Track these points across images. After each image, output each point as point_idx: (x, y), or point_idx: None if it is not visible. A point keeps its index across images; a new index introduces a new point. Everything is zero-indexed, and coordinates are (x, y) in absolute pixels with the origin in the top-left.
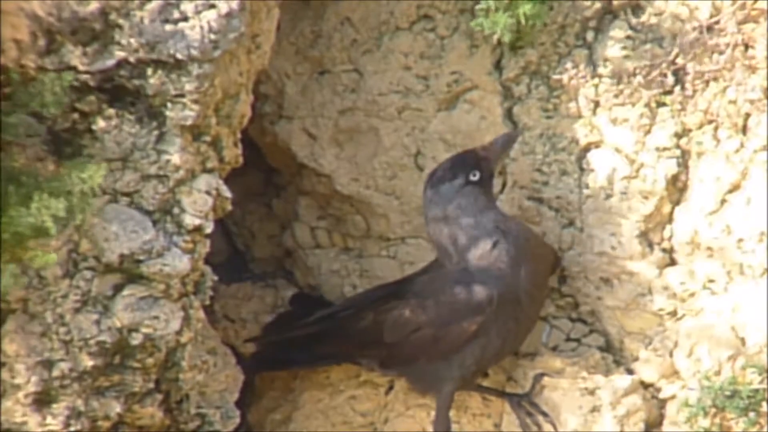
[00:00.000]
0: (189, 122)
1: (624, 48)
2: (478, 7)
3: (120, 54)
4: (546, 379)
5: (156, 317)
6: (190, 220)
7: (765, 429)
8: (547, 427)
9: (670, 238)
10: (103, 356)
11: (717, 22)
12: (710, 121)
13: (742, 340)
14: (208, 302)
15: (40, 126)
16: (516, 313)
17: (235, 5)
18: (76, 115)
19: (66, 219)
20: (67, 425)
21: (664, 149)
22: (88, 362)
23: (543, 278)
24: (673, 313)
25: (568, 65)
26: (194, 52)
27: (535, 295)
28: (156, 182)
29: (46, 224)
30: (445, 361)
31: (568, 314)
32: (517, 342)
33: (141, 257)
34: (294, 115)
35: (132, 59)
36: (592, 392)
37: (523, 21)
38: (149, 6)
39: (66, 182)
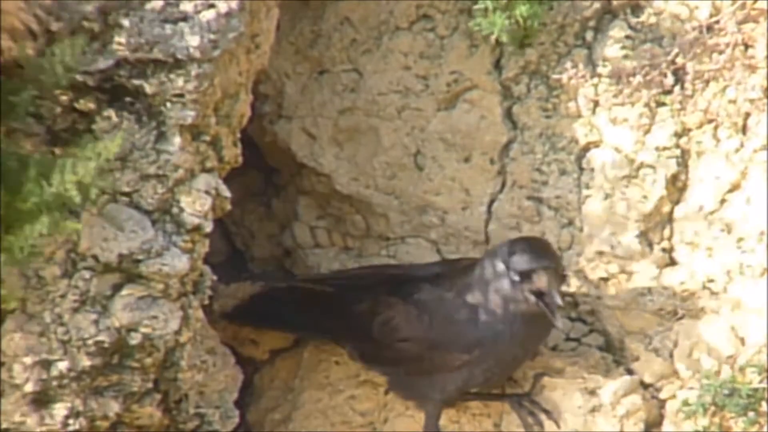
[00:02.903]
0: (188, 122)
1: (623, 48)
2: (476, 7)
3: (120, 54)
4: (546, 379)
5: (155, 317)
6: (189, 220)
7: (765, 428)
8: (549, 425)
9: (669, 238)
10: (101, 356)
11: (717, 22)
12: (710, 121)
13: (742, 340)
14: (207, 302)
15: (40, 126)
16: (504, 362)
17: (234, 5)
18: (75, 115)
19: (86, 188)
20: (65, 425)
21: (664, 149)
22: (87, 362)
23: (542, 336)
24: (673, 313)
25: (568, 65)
26: (194, 52)
27: (530, 348)
28: (155, 182)
29: (71, 192)
30: (426, 379)
31: (568, 313)
32: (501, 380)
33: (140, 257)
34: (293, 115)
35: (131, 59)
36: (592, 392)
37: (520, 21)
38: (149, 6)
39: (81, 155)
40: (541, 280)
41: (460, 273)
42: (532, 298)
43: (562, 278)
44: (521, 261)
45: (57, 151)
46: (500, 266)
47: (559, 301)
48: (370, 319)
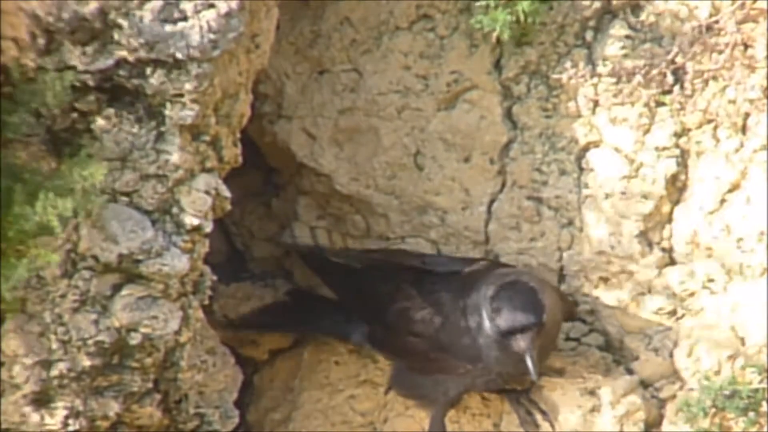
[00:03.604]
0: (188, 122)
1: (623, 47)
2: (477, 4)
3: (119, 54)
4: (545, 379)
5: (155, 317)
6: (189, 220)
7: (765, 429)
8: (545, 426)
9: (669, 238)
10: (101, 356)
11: (716, 22)
12: (709, 121)
13: (742, 340)
14: (207, 302)
15: (39, 126)
16: (508, 375)
17: (234, 5)
18: (75, 115)
19: (71, 218)
20: (65, 425)
21: (664, 149)
22: (87, 362)
23: (547, 352)
24: (673, 313)
25: (568, 65)
26: (193, 52)
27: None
28: (155, 182)
29: (52, 223)
30: (430, 379)
31: None
32: (501, 388)
33: (140, 257)
34: (293, 115)
35: (131, 59)
36: (591, 392)
37: (522, 18)
38: (149, 6)
39: (68, 180)
40: (518, 344)
41: (472, 282)
42: (514, 348)
43: (542, 329)
44: (502, 320)
45: (52, 163)
46: (485, 318)
47: (531, 367)
48: (387, 303)
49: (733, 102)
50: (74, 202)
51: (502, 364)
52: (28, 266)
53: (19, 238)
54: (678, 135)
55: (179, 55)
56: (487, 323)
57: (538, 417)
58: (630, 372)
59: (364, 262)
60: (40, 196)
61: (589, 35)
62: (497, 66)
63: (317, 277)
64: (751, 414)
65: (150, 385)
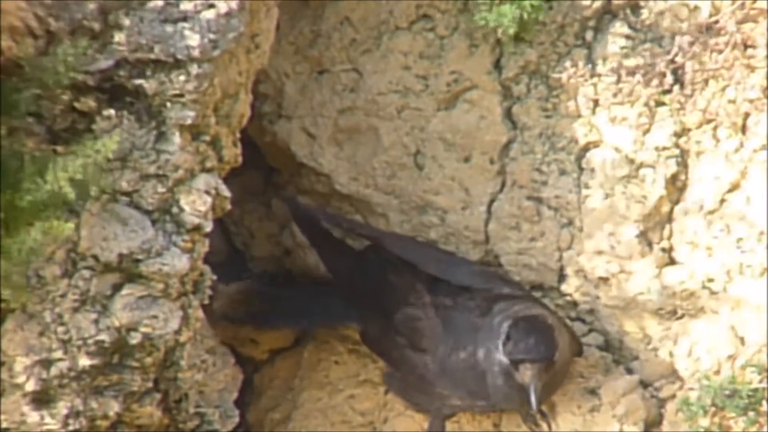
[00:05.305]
0: (188, 122)
1: (623, 47)
2: (480, 1)
3: (119, 54)
4: None
5: (155, 316)
6: (189, 220)
7: (765, 428)
8: (544, 426)
9: (669, 238)
10: (101, 355)
11: (716, 22)
12: (709, 121)
13: (742, 340)
14: (206, 301)
15: (40, 126)
16: (509, 409)
17: (234, 5)
18: (75, 115)
19: (84, 185)
20: (65, 424)
21: (664, 149)
22: (87, 361)
23: (551, 392)
24: (673, 313)
25: (568, 64)
26: (194, 52)
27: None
28: (155, 182)
29: (64, 189)
30: (424, 395)
31: (567, 313)
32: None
33: (140, 256)
34: (293, 115)
35: (131, 59)
36: (591, 392)
37: (527, 13)
38: (149, 6)
39: (79, 153)
40: (525, 374)
41: (489, 310)
42: (519, 379)
43: (551, 367)
44: (513, 349)
45: (59, 148)
46: (497, 348)
47: (533, 399)
48: (398, 301)
49: (733, 102)
50: (85, 173)
51: (508, 400)
52: (41, 231)
53: (31, 210)
54: (678, 135)
55: (179, 56)
56: (498, 353)
57: (538, 417)
58: (630, 372)
59: (371, 240)
60: (50, 166)
61: (589, 35)
62: (497, 66)
63: (315, 251)
64: (751, 413)
65: (150, 384)
